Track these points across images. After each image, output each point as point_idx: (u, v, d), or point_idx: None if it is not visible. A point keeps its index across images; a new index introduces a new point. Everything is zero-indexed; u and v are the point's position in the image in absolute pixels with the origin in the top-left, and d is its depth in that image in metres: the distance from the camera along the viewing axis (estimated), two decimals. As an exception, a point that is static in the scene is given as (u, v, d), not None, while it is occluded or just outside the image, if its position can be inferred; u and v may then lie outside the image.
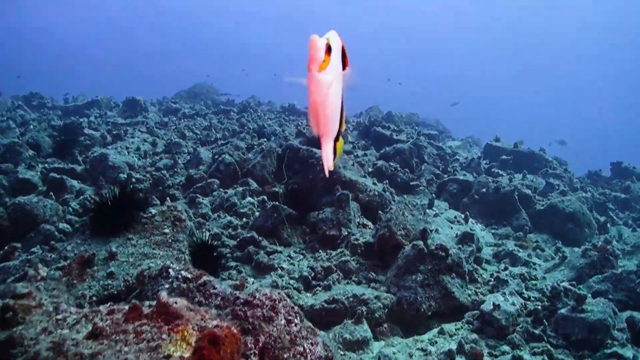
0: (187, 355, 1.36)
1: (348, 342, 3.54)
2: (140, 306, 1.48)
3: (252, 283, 4.38)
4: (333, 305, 3.92)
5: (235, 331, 1.50)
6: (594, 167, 12.28)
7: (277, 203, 5.57)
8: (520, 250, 6.16)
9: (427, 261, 4.32)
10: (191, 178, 6.81)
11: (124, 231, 3.16)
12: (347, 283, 4.53)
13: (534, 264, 5.69)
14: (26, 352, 1.31)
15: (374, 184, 6.43)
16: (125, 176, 6.65)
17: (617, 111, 67.38)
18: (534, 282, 5.10)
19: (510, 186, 7.45)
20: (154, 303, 1.50)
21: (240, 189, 6.48)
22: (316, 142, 6.17)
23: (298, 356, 1.92)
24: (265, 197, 6.24)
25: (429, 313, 4.14)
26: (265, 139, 8.83)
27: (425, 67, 70.17)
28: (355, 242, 4.97)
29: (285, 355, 1.90)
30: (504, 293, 4.17)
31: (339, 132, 1.83)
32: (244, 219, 5.87)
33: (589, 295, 3.93)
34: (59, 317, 1.51)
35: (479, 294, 4.56)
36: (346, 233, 5.25)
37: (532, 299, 4.55)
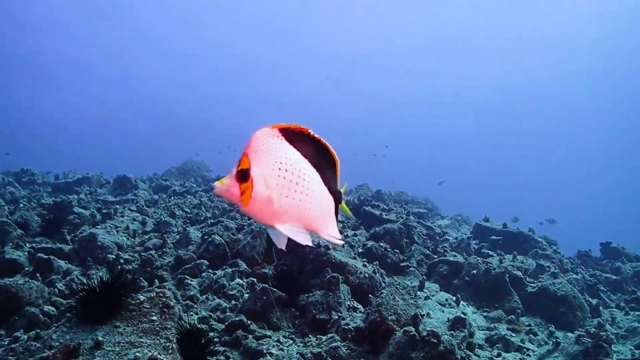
0: None
1: None
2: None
3: (240, 371, 4.25)
4: (323, 396, 3.80)
5: None
6: (584, 245, 12.39)
7: (266, 285, 5.51)
8: (513, 334, 6.07)
9: (419, 348, 4.25)
10: (180, 259, 6.75)
11: (111, 318, 3.11)
12: (338, 370, 4.41)
13: (527, 349, 5.59)
14: None
15: (364, 265, 6.42)
16: (114, 256, 6.58)
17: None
18: (528, 369, 4.99)
19: (501, 268, 7.46)
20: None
21: (230, 270, 6.42)
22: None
23: None
24: (254, 279, 6.18)
25: (422, 404, 4.00)
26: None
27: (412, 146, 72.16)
28: (346, 327, 4.89)
29: None
30: (498, 382, 4.08)
31: (338, 192, 1.72)
32: (233, 302, 5.77)
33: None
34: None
35: (472, 382, 4.45)
36: (336, 317, 5.17)
37: (527, 388, 4.44)
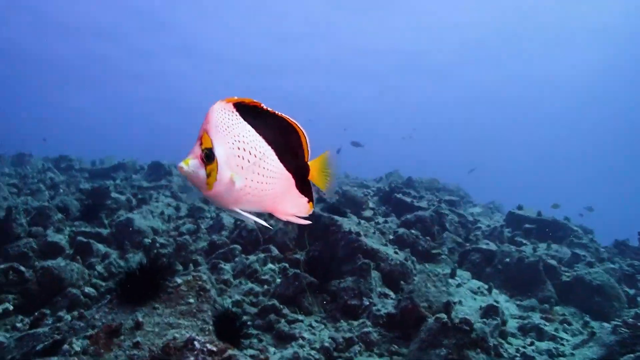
0: None
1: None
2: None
3: (274, 353, 4.34)
4: (355, 380, 3.85)
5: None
6: (621, 234, 12.03)
7: (298, 271, 5.58)
8: (547, 323, 6.00)
9: (451, 335, 4.24)
10: (214, 244, 6.88)
11: (150, 300, 3.21)
12: (369, 355, 4.47)
13: (562, 339, 5.52)
14: None
15: (396, 252, 6.42)
16: (150, 241, 6.76)
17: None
18: (561, 358, 4.93)
19: (535, 256, 7.35)
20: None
21: (262, 255, 6.52)
22: (336, 209, 6.20)
23: None
24: (286, 265, 6.26)
25: (454, 390, 4.01)
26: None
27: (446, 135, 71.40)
28: (377, 313, 4.93)
29: None
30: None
31: (305, 166, 1.60)
32: (265, 286, 5.87)
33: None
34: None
35: (505, 370, 4.43)
36: (367, 303, 5.21)
37: (561, 377, 4.39)
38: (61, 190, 10.02)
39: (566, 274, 7.43)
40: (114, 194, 9.00)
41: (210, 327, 3.24)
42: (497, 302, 6.02)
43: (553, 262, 7.53)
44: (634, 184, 68.72)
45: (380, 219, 9.14)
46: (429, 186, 15.36)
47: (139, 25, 37.32)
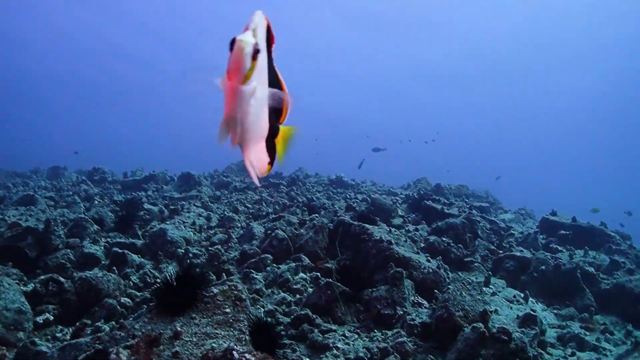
0: None
1: None
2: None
3: (308, 364, 4.32)
4: (392, 391, 3.79)
5: None
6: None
7: (330, 280, 5.56)
8: (587, 333, 5.82)
9: (489, 345, 4.15)
10: (245, 253, 6.92)
11: (187, 310, 3.23)
12: (405, 366, 4.39)
13: (604, 349, 5.34)
14: None
15: (428, 260, 6.34)
16: (183, 251, 6.84)
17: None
18: (605, 369, 4.78)
19: (572, 263, 7.16)
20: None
21: (293, 264, 6.52)
22: (366, 217, 6.18)
23: None
24: (318, 274, 6.24)
25: (494, 402, 3.92)
26: (316, 214, 8.94)
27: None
28: (412, 322, 4.86)
29: None
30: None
31: (275, 127, 1.52)
32: (297, 295, 5.86)
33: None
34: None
35: (546, 381, 4.31)
36: (401, 312, 5.15)
37: (605, 389, 4.25)
38: (96, 202, 10.24)
39: (605, 281, 7.21)
40: (146, 205, 9.15)
41: (247, 337, 3.25)
42: (534, 310, 5.88)
43: (591, 269, 7.32)
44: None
45: (411, 227, 9.06)
46: (458, 192, 15.19)
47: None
